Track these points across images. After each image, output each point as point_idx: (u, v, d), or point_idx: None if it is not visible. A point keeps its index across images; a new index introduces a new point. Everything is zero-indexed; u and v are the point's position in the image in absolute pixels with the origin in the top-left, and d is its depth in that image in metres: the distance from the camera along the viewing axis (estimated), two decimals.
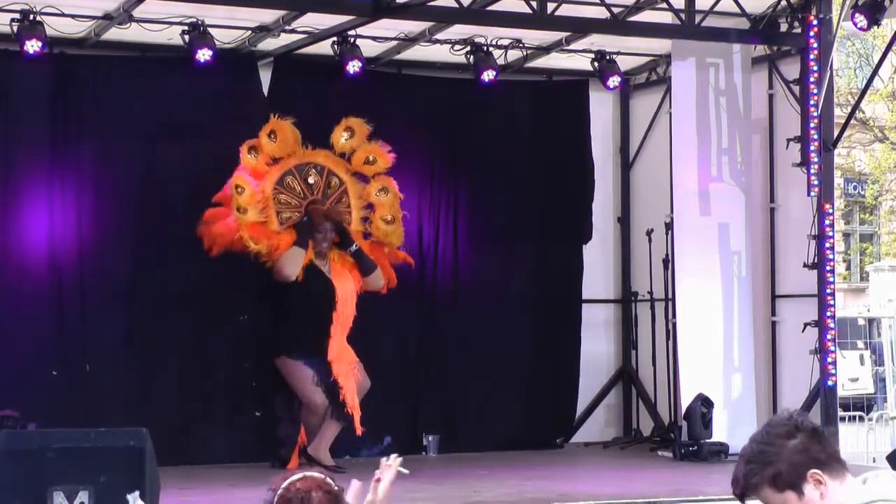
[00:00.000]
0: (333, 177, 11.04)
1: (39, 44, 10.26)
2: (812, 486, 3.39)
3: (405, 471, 4.39)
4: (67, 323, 11.00)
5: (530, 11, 10.53)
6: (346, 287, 10.82)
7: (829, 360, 11.26)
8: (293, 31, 11.20)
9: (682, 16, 11.04)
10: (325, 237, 10.76)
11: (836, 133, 11.66)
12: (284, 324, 10.87)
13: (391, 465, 4.44)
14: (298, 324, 10.76)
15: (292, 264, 10.59)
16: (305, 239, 10.71)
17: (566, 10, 10.67)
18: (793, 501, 3.39)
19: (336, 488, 3.73)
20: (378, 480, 4.39)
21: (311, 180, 10.95)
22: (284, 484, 3.71)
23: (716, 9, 11.08)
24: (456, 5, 10.46)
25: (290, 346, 10.73)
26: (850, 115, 12.42)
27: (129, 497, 4.08)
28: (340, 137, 11.07)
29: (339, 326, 10.75)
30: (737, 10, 11.19)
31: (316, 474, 3.75)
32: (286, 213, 10.87)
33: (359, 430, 10.74)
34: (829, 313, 11.31)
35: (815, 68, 11.24)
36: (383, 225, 11.10)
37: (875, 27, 11.29)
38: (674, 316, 12.05)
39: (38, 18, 10.30)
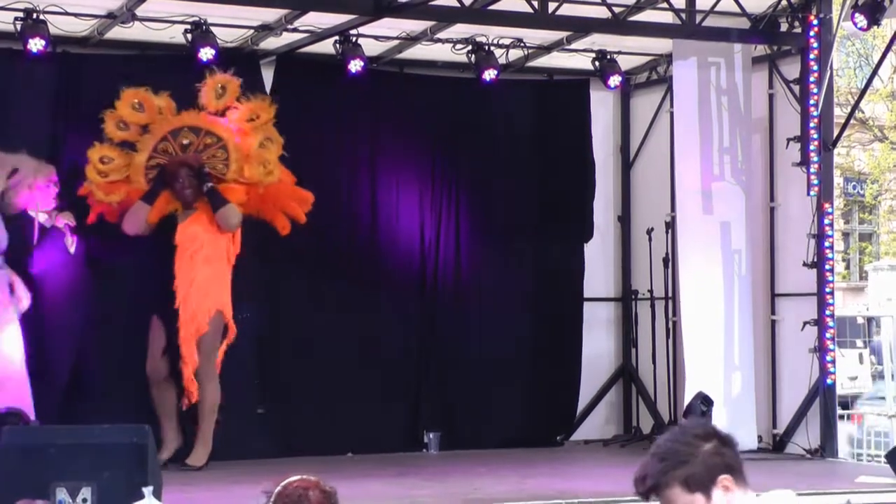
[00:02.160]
0: (210, 136, 10.65)
1: (43, 42, 10.26)
2: (720, 491, 3.39)
3: None
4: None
5: (532, 11, 10.54)
6: (189, 232, 10.40)
7: (829, 358, 11.27)
8: (295, 30, 11.21)
9: (683, 15, 11.04)
10: (184, 185, 10.39)
11: (835, 133, 11.67)
12: (150, 280, 10.58)
13: None
14: (156, 279, 10.47)
15: (132, 218, 10.35)
16: (154, 193, 10.42)
17: (567, 10, 10.67)
18: None
19: (329, 488, 3.78)
20: None
21: (185, 142, 10.60)
22: (282, 483, 3.75)
23: (716, 8, 11.08)
24: (457, 5, 10.46)
25: (151, 303, 10.53)
26: (850, 115, 12.42)
27: (145, 490, 4.09)
28: (213, 96, 10.71)
29: (183, 277, 10.31)
30: (737, 9, 11.19)
31: (311, 476, 3.80)
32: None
33: (185, 404, 10.44)
34: (828, 312, 11.32)
35: (815, 68, 11.25)
36: (259, 167, 10.65)
37: (875, 27, 11.28)
38: (674, 314, 12.06)
39: (42, 17, 10.31)
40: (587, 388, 12.85)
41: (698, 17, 11.07)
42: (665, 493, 3.41)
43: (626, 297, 13.00)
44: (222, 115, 10.74)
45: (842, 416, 14.28)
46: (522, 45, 12.07)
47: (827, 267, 11.37)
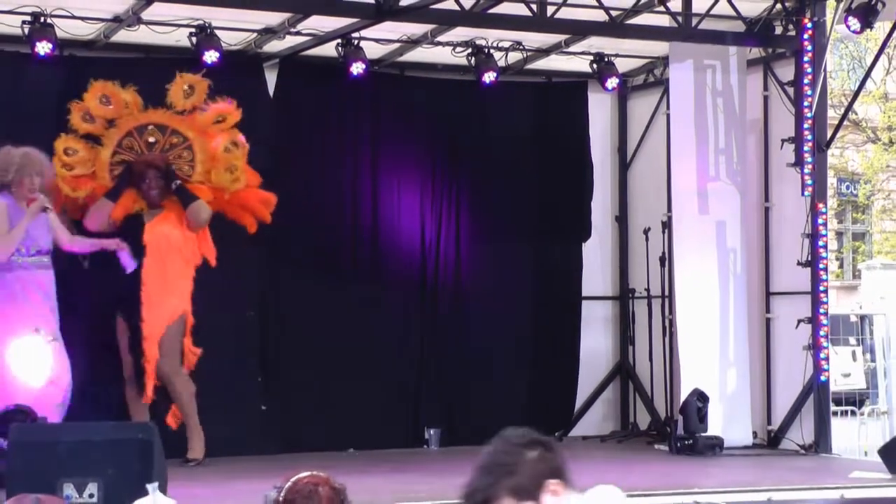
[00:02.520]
0: (176, 135, 10.48)
1: (50, 45, 10.26)
2: (550, 496, 3.35)
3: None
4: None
5: (530, 14, 10.54)
6: (158, 231, 10.26)
7: (822, 355, 11.26)
8: (298, 33, 11.20)
9: (680, 19, 11.04)
10: (150, 185, 10.22)
11: (829, 134, 11.66)
12: (114, 278, 10.22)
13: None
14: (120, 278, 10.14)
15: (95, 214, 10.18)
16: (118, 190, 10.27)
17: (566, 13, 10.67)
18: None
19: (339, 485, 3.78)
20: None
21: (151, 140, 10.42)
22: (293, 479, 3.76)
23: (712, 12, 11.08)
24: (458, 8, 10.45)
25: (115, 302, 10.35)
26: (844, 117, 12.44)
27: (149, 487, 4.09)
28: (181, 96, 10.51)
29: (151, 276, 10.11)
30: (733, 13, 11.19)
31: (321, 473, 3.81)
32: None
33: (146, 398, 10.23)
34: (822, 310, 11.32)
35: (809, 70, 11.25)
36: (226, 173, 10.49)
37: (868, 30, 11.30)
38: (670, 312, 12.06)
39: (49, 21, 10.30)
40: (585, 385, 12.85)
41: (694, 21, 11.07)
42: None
43: (624, 296, 13.00)
44: (189, 116, 10.57)
45: (844, 413, 14.32)
46: (521, 47, 12.08)
47: (821, 266, 11.37)
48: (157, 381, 10.22)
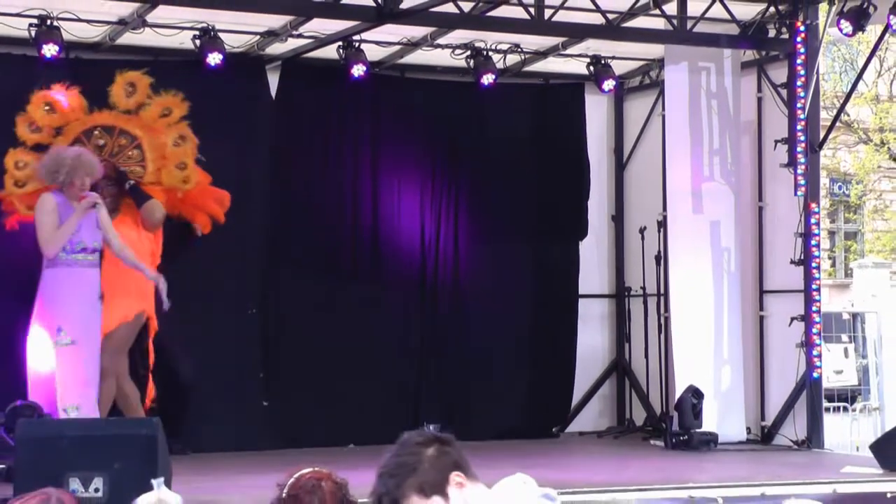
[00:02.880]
0: (124, 135, 10.18)
1: (56, 48, 10.25)
2: (455, 489, 3.36)
3: None
4: None
5: (528, 17, 10.54)
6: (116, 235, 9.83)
7: (815, 353, 11.26)
8: (300, 35, 11.21)
9: (675, 22, 11.04)
10: (102, 194, 9.67)
11: (822, 135, 11.67)
12: None
13: None
14: None
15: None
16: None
17: (563, 16, 10.66)
18: None
19: (341, 480, 3.79)
20: None
21: (100, 143, 10.13)
22: (296, 475, 3.76)
23: (707, 15, 11.08)
24: (457, 11, 10.45)
25: None
26: (836, 118, 12.43)
27: (154, 482, 4.08)
28: (122, 95, 10.24)
29: (107, 280, 9.58)
30: (727, 16, 11.19)
31: (323, 469, 3.81)
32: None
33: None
34: (814, 308, 11.32)
35: (802, 72, 11.25)
36: (176, 171, 10.25)
37: (860, 33, 11.29)
38: (666, 310, 12.06)
39: (55, 23, 10.30)
40: (582, 382, 12.85)
41: (689, 24, 11.07)
42: None
43: (620, 294, 12.99)
44: (135, 114, 10.28)
45: (836, 409, 14.32)
46: (519, 50, 12.07)
47: (813, 264, 11.37)
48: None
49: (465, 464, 3.41)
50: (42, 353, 9.10)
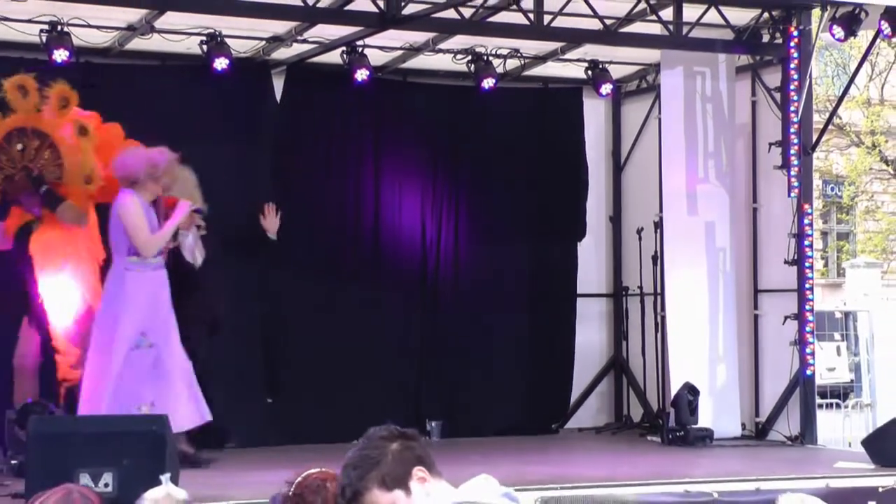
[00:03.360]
0: (37, 135, 9.67)
1: (67, 53, 10.26)
2: (417, 483, 3.34)
3: None
4: None
5: (528, 23, 10.54)
6: (42, 240, 9.59)
7: (808, 350, 11.26)
8: (305, 41, 11.21)
9: (671, 27, 11.04)
10: (29, 205, 9.50)
11: (814, 138, 11.66)
12: (17, 282, 9.69)
13: None
14: (22, 282, 9.65)
15: None
16: (4, 208, 9.64)
17: (561, 22, 10.67)
18: (401, 500, 3.34)
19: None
20: None
21: (19, 147, 9.63)
22: (303, 475, 3.76)
23: (702, 21, 11.08)
24: (458, 17, 10.46)
25: (21, 304, 9.75)
26: (828, 121, 12.42)
27: (162, 478, 4.09)
28: (18, 97, 9.58)
29: (46, 285, 9.49)
30: (722, 22, 11.19)
31: (330, 470, 3.81)
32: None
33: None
34: (807, 307, 11.31)
35: (796, 77, 11.25)
36: (80, 179, 9.67)
37: (852, 38, 11.29)
38: (662, 309, 12.05)
39: (66, 29, 10.31)
40: (580, 379, 12.85)
41: (685, 29, 11.07)
42: (365, 497, 3.33)
43: (617, 293, 12.99)
44: (38, 112, 9.67)
45: (829, 406, 14.32)
46: (519, 55, 12.08)
47: (807, 264, 11.37)
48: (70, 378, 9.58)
49: (428, 460, 3.38)
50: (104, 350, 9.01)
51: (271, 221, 10.78)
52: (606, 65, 12.14)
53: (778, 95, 11.46)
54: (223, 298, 10.29)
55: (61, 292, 9.67)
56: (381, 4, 10.05)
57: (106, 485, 7.43)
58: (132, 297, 9.09)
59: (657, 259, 12.09)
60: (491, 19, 10.59)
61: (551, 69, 12.54)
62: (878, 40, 12.16)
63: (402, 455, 3.35)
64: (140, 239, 9.08)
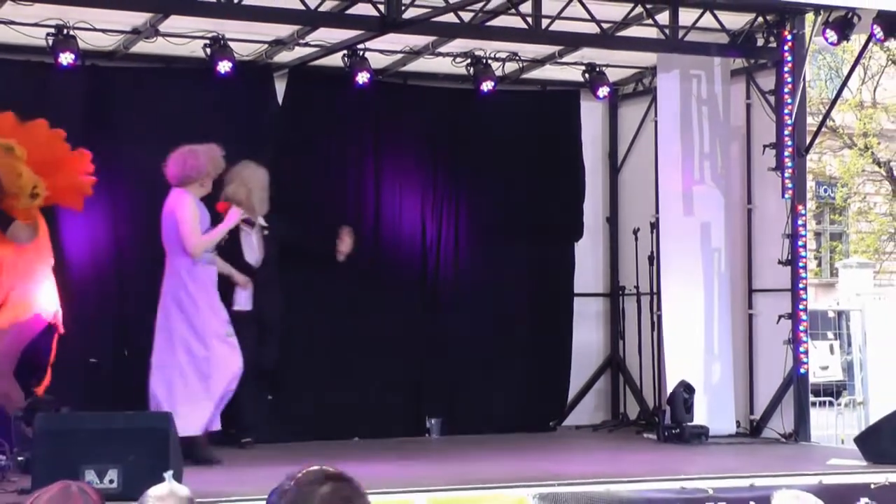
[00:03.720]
0: None
1: (72, 56, 10.26)
2: None
3: None
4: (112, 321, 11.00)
5: (526, 27, 10.54)
6: None
7: (802, 349, 11.27)
8: (307, 44, 11.21)
9: (667, 31, 11.04)
10: None
11: (808, 140, 11.67)
12: None
13: None
14: None
15: None
16: None
17: (559, 26, 10.67)
18: None
19: (348, 477, 3.78)
20: None
21: None
22: (304, 471, 3.76)
23: (698, 25, 11.09)
24: (458, 21, 10.46)
25: None
26: (822, 123, 12.43)
27: (165, 475, 4.09)
28: None
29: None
30: (717, 26, 11.19)
31: (330, 468, 3.81)
32: None
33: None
34: (801, 306, 11.32)
35: (789, 80, 11.26)
36: (11, 185, 9.23)
37: (844, 42, 11.29)
38: (658, 308, 12.06)
39: (72, 33, 10.30)
40: (578, 378, 12.85)
41: (681, 33, 11.07)
42: None
43: (614, 293, 13.00)
44: None
45: (822, 404, 14.33)
46: (517, 58, 12.08)
47: (800, 264, 11.37)
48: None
49: (358, 501, 3.31)
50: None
51: (346, 244, 11.00)
52: (603, 68, 12.14)
53: (772, 98, 11.47)
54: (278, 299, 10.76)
55: (13, 299, 9.35)
56: (382, 8, 10.05)
57: (111, 481, 7.44)
58: (211, 289, 9.53)
59: (653, 259, 12.10)
60: (490, 23, 10.60)
61: (549, 72, 12.54)
62: (871, 44, 12.18)
63: (331, 499, 3.28)
64: (192, 242, 9.35)
